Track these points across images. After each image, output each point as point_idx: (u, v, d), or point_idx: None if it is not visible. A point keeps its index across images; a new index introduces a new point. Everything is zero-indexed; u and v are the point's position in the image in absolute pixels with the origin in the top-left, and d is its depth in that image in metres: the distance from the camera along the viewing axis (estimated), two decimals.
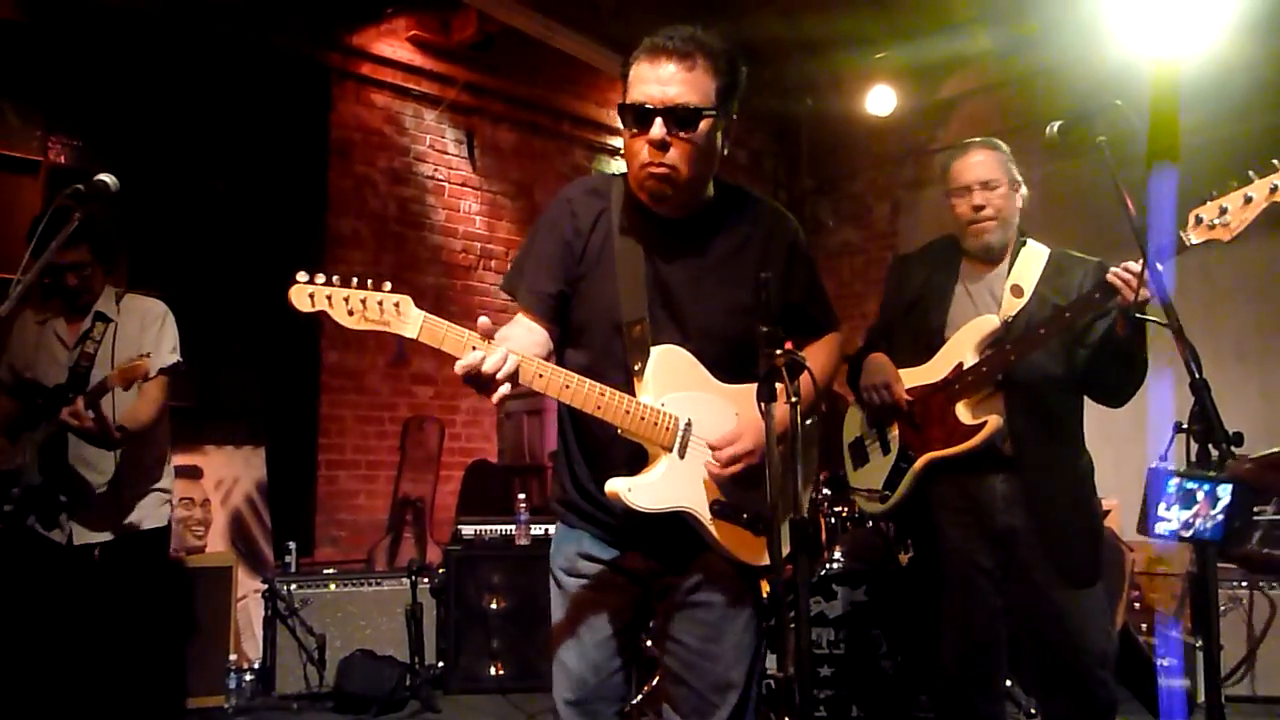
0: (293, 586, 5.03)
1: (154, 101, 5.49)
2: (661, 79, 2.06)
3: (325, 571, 5.37)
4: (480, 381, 1.89)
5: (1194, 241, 2.55)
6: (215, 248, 5.64)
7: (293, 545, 5.43)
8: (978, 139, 3.11)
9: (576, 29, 6.55)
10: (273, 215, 5.92)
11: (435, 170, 6.85)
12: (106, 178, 2.83)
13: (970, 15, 6.91)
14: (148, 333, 3.64)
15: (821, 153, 8.70)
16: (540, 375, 1.99)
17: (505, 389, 1.90)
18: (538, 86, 7.28)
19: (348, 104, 6.43)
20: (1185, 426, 2.40)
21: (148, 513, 3.65)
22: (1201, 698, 4.09)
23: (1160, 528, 1.59)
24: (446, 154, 6.92)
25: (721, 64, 2.11)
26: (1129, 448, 3.37)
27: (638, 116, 2.09)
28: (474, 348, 1.90)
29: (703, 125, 2.09)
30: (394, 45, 6.59)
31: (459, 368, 1.89)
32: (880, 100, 7.40)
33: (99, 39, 5.36)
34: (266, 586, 5.05)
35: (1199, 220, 2.54)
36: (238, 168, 5.77)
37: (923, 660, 4.13)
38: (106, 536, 3.55)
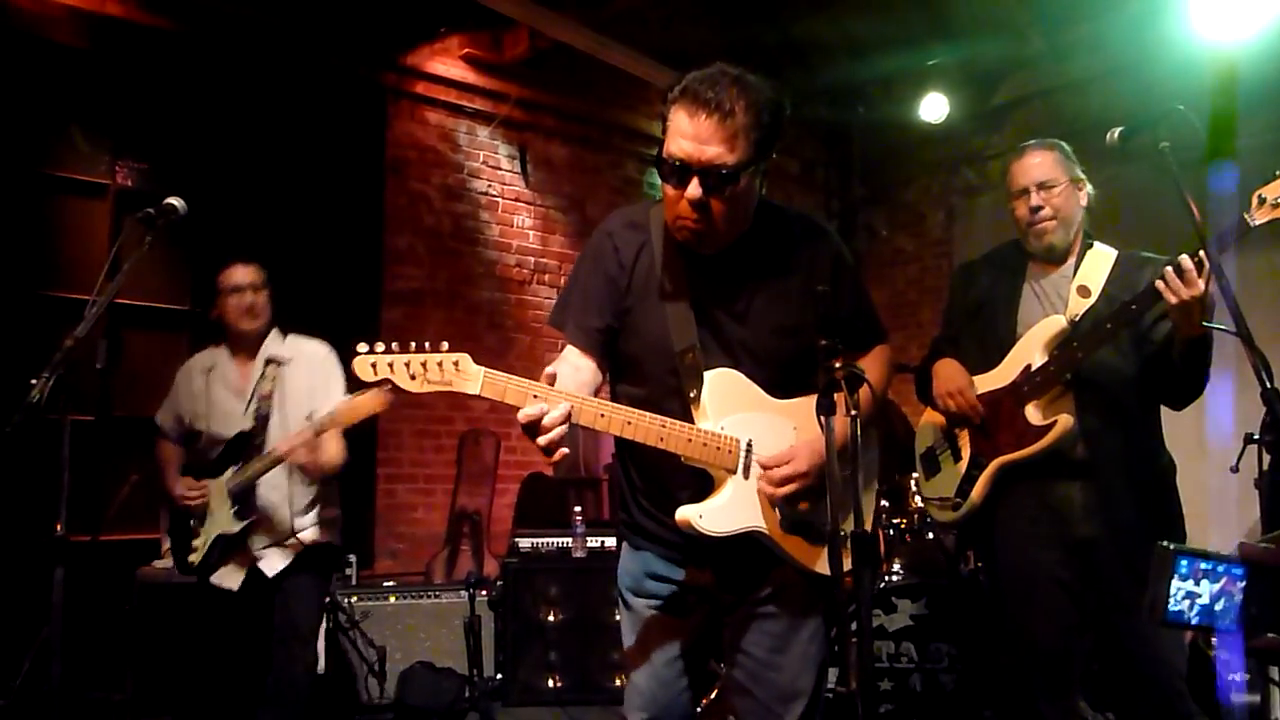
0: (353, 599, 5.10)
1: (217, 123, 5.62)
2: (700, 136, 2.01)
3: (385, 584, 5.44)
4: (540, 432, 1.89)
5: (1257, 222, 2.49)
6: (275, 265, 5.74)
7: (353, 558, 5.49)
8: (1035, 140, 3.04)
9: (626, 43, 6.59)
10: (331, 232, 6.01)
11: (489, 186, 6.92)
12: (175, 201, 2.89)
13: (1023, 19, 6.84)
14: (316, 377, 3.69)
15: (874, 161, 8.65)
16: (601, 415, 2.02)
17: (564, 451, 1.91)
18: (589, 101, 7.33)
19: (403, 122, 6.52)
20: (1256, 437, 2.32)
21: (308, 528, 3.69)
22: (1277, 714, 3.99)
23: (1176, 605, 1.39)
24: (499, 170, 6.99)
25: (764, 115, 2.03)
26: (1190, 458, 3.28)
27: (674, 172, 2.06)
28: (535, 396, 1.92)
29: (739, 182, 2.05)
30: (447, 64, 6.68)
31: (522, 418, 1.89)
32: (933, 107, 7.33)
33: (162, 64, 5.50)
34: (328, 599, 5.12)
35: (1262, 200, 2.47)
36: (297, 186, 5.88)
37: (986, 673, 4.07)
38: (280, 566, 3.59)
